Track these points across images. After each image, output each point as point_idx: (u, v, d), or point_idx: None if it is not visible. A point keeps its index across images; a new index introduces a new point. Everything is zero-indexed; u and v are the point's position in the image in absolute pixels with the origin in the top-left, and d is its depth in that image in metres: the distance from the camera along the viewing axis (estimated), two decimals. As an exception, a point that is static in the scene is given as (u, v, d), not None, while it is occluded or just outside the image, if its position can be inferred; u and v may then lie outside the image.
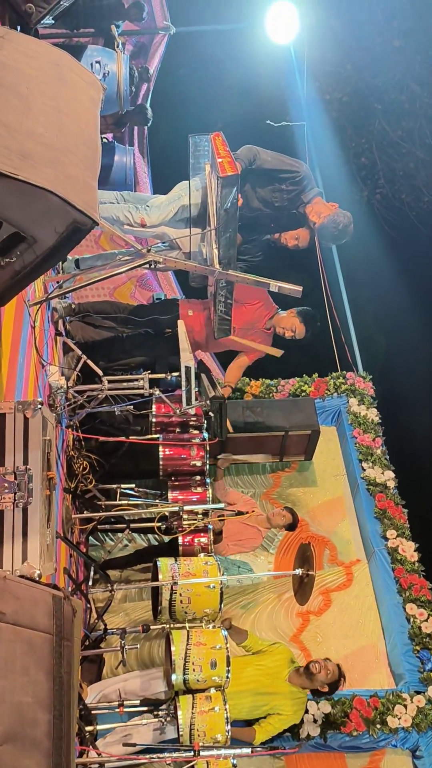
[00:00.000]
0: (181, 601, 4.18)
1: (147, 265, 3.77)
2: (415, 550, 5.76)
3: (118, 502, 4.93)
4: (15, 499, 2.04)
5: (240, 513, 4.92)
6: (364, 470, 6.31)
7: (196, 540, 4.69)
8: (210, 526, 4.74)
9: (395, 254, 10.71)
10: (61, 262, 4.79)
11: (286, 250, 5.12)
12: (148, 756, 3.80)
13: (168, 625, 4.33)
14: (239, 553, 5.39)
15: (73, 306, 4.88)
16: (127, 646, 4.28)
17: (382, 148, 12.25)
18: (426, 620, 5.34)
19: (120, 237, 3.62)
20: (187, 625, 4.20)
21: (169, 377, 4.58)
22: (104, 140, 5.92)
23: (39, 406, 2.15)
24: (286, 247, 4.90)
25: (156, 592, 4.32)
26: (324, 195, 4.79)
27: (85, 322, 4.92)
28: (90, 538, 5.31)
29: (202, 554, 4.55)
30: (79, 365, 4.28)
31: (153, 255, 3.68)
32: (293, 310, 5.03)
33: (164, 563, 4.33)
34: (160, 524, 4.76)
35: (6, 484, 2.02)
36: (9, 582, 1.28)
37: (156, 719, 4.03)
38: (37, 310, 3.71)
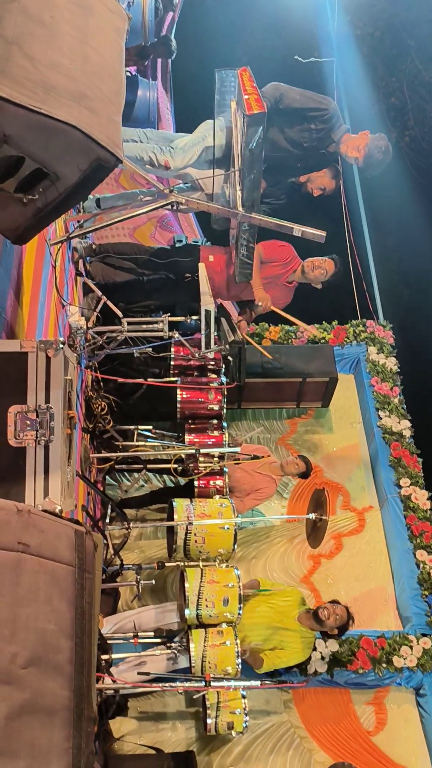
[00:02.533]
0: (196, 541, 4.29)
1: (169, 206, 3.72)
2: (428, 499, 5.82)
3: (135, 443, 5.01)
4: (37, 437, 2.09)
5: (255, 457, 4.97)
6: (381, 419, 6.32)
7: (211, 482, 4.77)
8: (225, 470, 4.81)
9: (422, 199, 10.41)
10: (81, 202, 4.73)
11: (310, 194, 5.01)
12: (160, 684, 3.96)
13: (182, 563, 4.45)
14: (255, 507, 5.46)
15: (93, 246, 4.85)
16: (142, 581, 4.41)
17: (414, 88, 11.78)
18: (436, 567, 5.44)
19: (142, 176, 3.56)
20: (201, 563, 4.31)
21: (188, 320, 4.57)
22: (127, 74, 5.75)
23: (61, 346, 2.17)
24: (311, 194, 4.80)
25: (171, 531, 4.42)
26: (351, 131, 4.65)
27: (105, 263, 4.90)
28: (107, 477, 5.42)
29: (217, 496, 4.63)
30: (99, 306, 4.27)
31: (175, 196, 3.62)
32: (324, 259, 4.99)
33: (180, 504, 4.42)
34: (176, 466, 4.83)
35: (28, 422, 2.06)
36: (33, 516, 1.33)
37: (169, 650, 4.18)
38: (58, 249, 3.69)
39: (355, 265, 7.39)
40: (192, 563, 4.39)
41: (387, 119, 11.84)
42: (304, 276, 5.04)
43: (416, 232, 10.11)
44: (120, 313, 4.27)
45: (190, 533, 4.28)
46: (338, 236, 7.34)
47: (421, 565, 5.47)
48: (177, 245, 5.22)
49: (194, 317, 4.46)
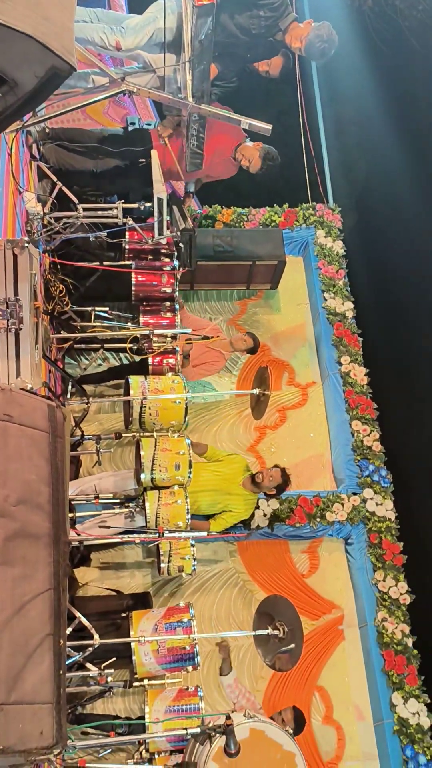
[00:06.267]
0: (150, 414, 4.69)
1: (121, 94, 3.81)
2: (365, 375, 6.33)
3: (92, 324, 5.26)
4: (8, 325, 2.38)
5: (206, 337, 5.31)
6: (326, 300, 6.69)
7: (165, 361, 5.11)
8: (177, 349, 5.14)
9: (384, 69, 10.02)
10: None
11: (263, 75, 5.02)
12: (119, 536, 4.51)
13: (138, 434, 4.87)
14: (204, 377, 5.86)
15: (47, 130, 4.86)
16: (101, 450, 4.85)
17: None
18: (368, 435, 6.04)
19: (96, 65, 3.61)
20: (155, 434, 4.74)
21: (142, 207, 4.72)
22: None
23: (26, 244, 2.41)
24: (258, 73, 4.82)
25: (128, 405, 4.81)
26: (298, 20, 4.61)
27: (59, 146, 4.94)
28: (66, 357, 5.71)
29: (170, 374, 5.00)
30: (55, 192, 4.39)
31: (127, 84, 3.72)
32: (260, 144, 5.03)
33: (135, 380, 4.78)
34: (132, 345, 5.14)
35: (0, 313, 2.35)
36: (14, 393, 1.67)
37: (127, 509, 4.71)
38: (13, 137, 3.78)
39: (308, 146, 7.44)
40: (147, 434, 4.82)
41: (348, -22, 11.22)
42: None
43: (374, 106, 9.85)
44: (76, 199, 4.40)
45: (145, 407, 4.67)
46: (292, 118, 7.33)
47: (356, 434, 6.07)
48: (129, 128, 5.24)
49: (147, 204, 4.61)
